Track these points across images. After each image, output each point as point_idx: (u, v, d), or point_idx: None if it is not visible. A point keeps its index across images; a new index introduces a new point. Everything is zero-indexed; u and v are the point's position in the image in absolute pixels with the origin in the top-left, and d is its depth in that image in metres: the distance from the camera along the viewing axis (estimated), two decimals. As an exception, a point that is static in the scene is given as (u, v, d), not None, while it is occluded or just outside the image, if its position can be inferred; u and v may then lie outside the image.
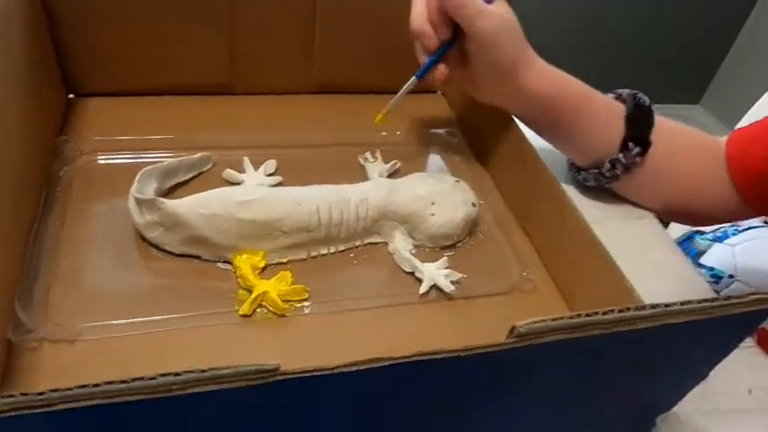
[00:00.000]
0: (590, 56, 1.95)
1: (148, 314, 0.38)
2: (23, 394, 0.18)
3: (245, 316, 0.39)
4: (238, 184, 0.48)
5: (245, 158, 0.50)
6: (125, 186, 0.43)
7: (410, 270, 0.44)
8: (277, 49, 0.57)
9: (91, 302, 0.38)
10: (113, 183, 0.46)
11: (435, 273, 0.43)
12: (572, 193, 0.56)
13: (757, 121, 0.54)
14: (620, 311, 0.25)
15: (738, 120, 1.03)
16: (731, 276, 0.78)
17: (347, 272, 0.44)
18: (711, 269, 0.80)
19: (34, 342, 0.35)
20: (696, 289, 0.51)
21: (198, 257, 0.42)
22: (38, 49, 0.48)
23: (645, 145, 0.50)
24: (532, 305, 0.44)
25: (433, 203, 0.46)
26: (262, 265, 0.42)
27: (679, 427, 0.38)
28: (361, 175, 0.52)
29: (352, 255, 0.45)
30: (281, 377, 0.21)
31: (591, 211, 0.54)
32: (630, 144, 0.50)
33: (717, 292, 0.76)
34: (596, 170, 0.52)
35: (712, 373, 0.43)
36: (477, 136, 0.58)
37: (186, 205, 0.41)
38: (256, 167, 0.50)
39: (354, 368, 0.21)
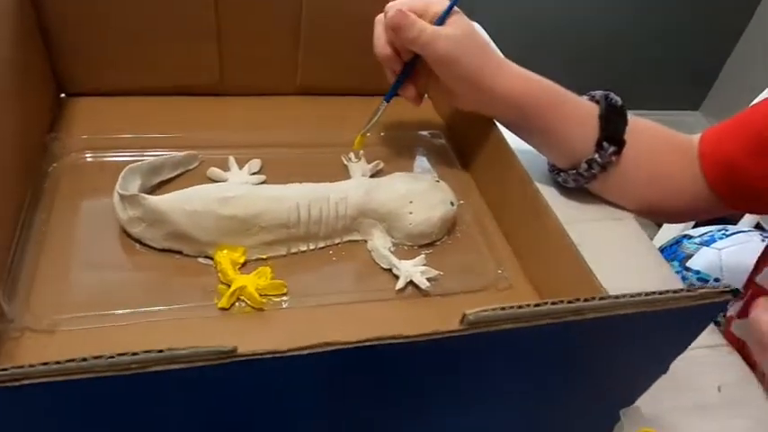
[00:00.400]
0: (589, 62, 1.95)
1: (129, 306, 0.39)
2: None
3: (223, 309, 0.40)
4: (223, 181, 0.49)
5: (231, 158, 0.51)
6: (111, 183, 0.44)
7: (388, 267, 0.45)
8: (264, 52, 0.58)
9: (73, 294, 0.39)
10: (100, 180, 0.47)
11: (412, 269, 0.44)
12: (552, 194, 0.57)
13: (728, 119, 0.55)
14: (569, 302, 0.26)
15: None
16: (717, 280, 0.78)
17: (326, 268, 0.45)
18: (698, 272, 0.81)
19: (16, 332, 0.37)
20: (668, 286, 0.51)
21: (179, 252, 0.43)
22: (29, 50, 0.49)
23: (619, 144, 0.51)
24: (507, 302, 0.45)
25: (411, 202, 0.47)
26: (242, 260, 0.43)
27: (644, 422, 0.39)
28: (344, 174, 0.53)
29: (331, 252, 0.46)
30: (237, 359, 0.22)
31: (570, 211, 0.55)
32: (605, 144, 0.51)
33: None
34: (574, 171, 0.53)
35: (682, 371, 0.44)
36: (461, 138, 0.59)
37: (168, 201, 0.42)
38: (241, 167, 0.51)
39: (307, 352, 0.22)
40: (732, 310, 0.63)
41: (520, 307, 0.25)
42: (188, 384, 0.22)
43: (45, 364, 0.20)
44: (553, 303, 0.25)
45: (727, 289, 0.28)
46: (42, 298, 0.39)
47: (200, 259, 0.44)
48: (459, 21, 0.49)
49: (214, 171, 0.50)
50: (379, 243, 0.47)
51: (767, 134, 0.50)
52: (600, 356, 0.30)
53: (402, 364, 0.25)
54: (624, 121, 0.51)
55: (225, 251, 0.43)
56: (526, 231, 0.48)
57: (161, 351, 0.21)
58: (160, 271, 0.42)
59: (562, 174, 0.55)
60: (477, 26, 0.51)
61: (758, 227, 0.96)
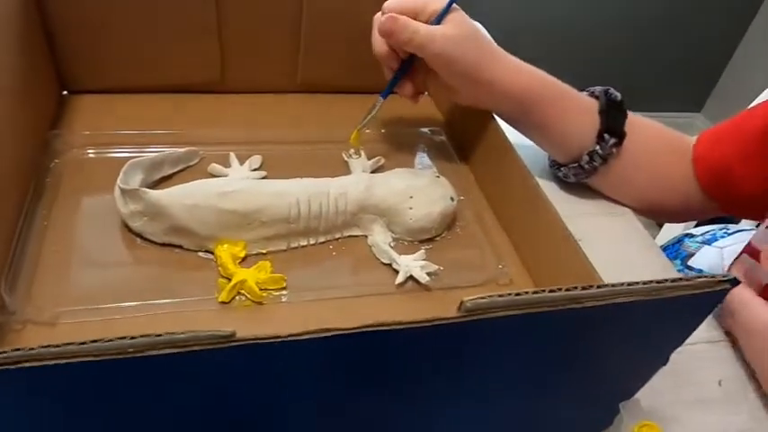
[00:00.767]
0: (590, 65, 1.96)
1: (130, 300, 0.39)
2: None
3: (223, 303, 0.41)
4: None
5: (231, 154, 0.51)
6: (113, 179, 0.44)
7: (388, 262, 0.45)
8: (264, 50, 0.58)
9: (74, 287, 0.40)
10: (102, 175, 0.47)
11: (411, 264, 0.45)
12: (553, 189, 0.57)
13: (724, 122, 0.55)
14: (566, 290, 0.26)
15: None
16: (719, 278, 0.78)
17: (325, 263, 0.45)
18: (700, 271, 0.81)
19: (18, 324, 0.37)
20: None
21: (180, 247, 0.44)
22: (33, 49, 0.50)
23: (620, 136, 0.51)
24: (507, 297, 0.45)
25: (411, 197, 0.47)
26: (242, 254, 0.43)
27: (644, 415, 0.39)
28: (345, 170, 0.53)
29: (331, 246, 0.47)
30: (236, 343, 0.22)
31: (571, 206, 0.55)
32: (606, 135, 0.51)
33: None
34: (575, 164, 0.53)
35: (682, 365, 0.44)
36: (461, 134, 0.59)
37: (169, 196, 0.42)
38: (242, 163, 0.51)
39: (306, 337, 0.22)
40: None
41: (518, 294, 0.25)
42: (186, 369, 0.22)
43: (45, 346, 0.20)
44: (551, 291, 0.25)
45: (725, 278, 0.28)
46: (44, 291, 0.39)
47: (201, 253, 0.44)
48: (457, 18, 0.49)
49: (215, 167, 0.50)
50: (380, 238, 0.47)
51: (758, 140, 0.51)
52: (598, 346, 0.30)
53: (400, 352, 0.25)
54: (624, 115, 0.52)
55: (225, 245, 0.43)
56: (526, 226, 0.48)
57: (159, 335, 0.21)
58: (161, 265, 0.43)
59: (563, 168, 0.55)
60: (477, 25, 0.51)
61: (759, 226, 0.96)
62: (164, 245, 0.44)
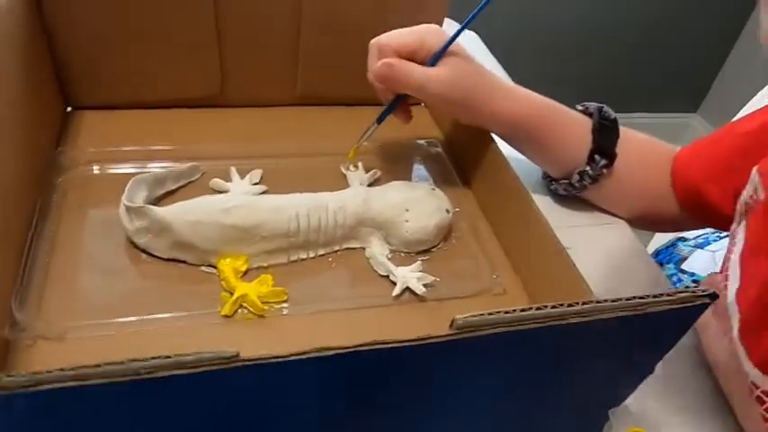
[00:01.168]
0: (588, 66, 1.97)
1: (136, 314, 0.41)
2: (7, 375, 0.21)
3: (226, 316, 0.42)
4: (225, 192, 0.51)
5: (232, 168, 0.53)
6: (117, 195, 0.45)
7: (385, 273, 0.47)
8: (264, 63, 0.60)
9: (82, 303, 0.41)
10: (107, 192, 0.49)
11: (408, 275, 0.46)
12: (546, 200, 0.58)
13: (703, 138, 0.56)
14: (553, 307, 0.27)
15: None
16: (712, 282, 0.80)
17: (325, 275, 0.47)
18: (693, 275, 0.82)
19: (29, 340, 0.38)
20: (659, 289, 0.53)
21: (184, 262, 0.45)
22: (36, 64, 0.51)
23: (611, 157, 0.52)
24: (501, 306, 0.46)
25: (407, 210, 0.48)
26: (244, 268, 0.45)
27: (633, 421, 0.40)
28: (343, 183, 0.54)
29: (330, 259, 0.48)
30: (239, 363, 0.23)
31: (563, 217, 0.57)
32: (597, 156, 0.52)
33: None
34: (566, 181, 0.55)
35: (672, 371, 0.45)
36: (456, 147, 0.60)
37: (173, 212, 0.44)
38: (243, 177, 0.52)
39: (305, 356, 0.24)
40: None
41: (507, 312, 0.26)
42: (193, 387, 0.24)
43: (61, 370, 0.21)
44: (538, 308, 0.27)
45: (705, 293, 0.29)
46: (53, 307, 0.40)
47: (204, 268, 0.45)
48: (454, 58, 0.49)
49: (216, 182, 0.51)
50: (377, 250, 0.48)
51: (723, 160, 0.52)
52: (585, 358, 0.31)
53: (395, 368, 0.27)
54: (616, 134, 0.53)
55: (227, 260, 0.44)
56: (519, 238, 0.49)
57: (168, 357, 0.22)
58: (165, 279, 0.44)
59: (554, 182, 0.56)
60: (474, 60, 0.52)
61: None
62: (168, 260, 0.45)
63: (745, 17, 2.05)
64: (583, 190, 0.55)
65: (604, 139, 0.52)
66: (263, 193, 0.52)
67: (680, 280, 0.82)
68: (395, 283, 0.46)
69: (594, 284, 0.41)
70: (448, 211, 0.50)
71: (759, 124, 0.52)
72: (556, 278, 0.44)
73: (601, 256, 0.53)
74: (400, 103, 0.53)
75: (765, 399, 0.40)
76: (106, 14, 0.53)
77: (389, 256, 0.49)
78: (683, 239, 0.88)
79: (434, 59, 0.49)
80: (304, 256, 0.47)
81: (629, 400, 0.39)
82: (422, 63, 0.49)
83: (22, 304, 0.39)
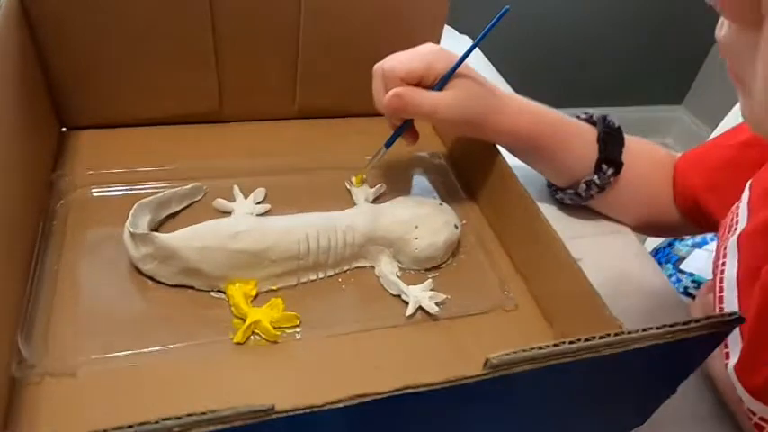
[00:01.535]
0: (572, 58, 1.97)
1: (147, 345, 0.40)
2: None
3: (238, 344, 0.41)
4: (229, 212, 0.50)
5: (235, 187, 0.52)
6: (119, 218, 0.44)
7: (396, 293, 0.46)
8: (262, 77, 0.59)
9: (90, 335, 0.40)
10: (108, 215, 0.48)
11: (420, 295, 0.45)
12: (551, 209, 0.58)
13: (701, 145, 0.57)
14: (586, 340, 0.27)
15: (721, 120, 1.06)
16: (711, 281, 0.80)
17: (336, 297, 0.46)
18: (692, 275, 0.83)
19: (36, 377, 0.37)
20: (668, 302, 0.53)
21: (191, 287, 0.44)
22: (29, 84, 0.49)
23: (617, 166, 0.52)
24: (514, 323, 0.46)
25: (416, 227, 0.48)
26: (253, 293, 0.44)
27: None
28: (347, 198, 0.54)
29: (340, 279, 0.47)
30: (275, 416, 0.23)
31: (569, 226, 0.57)
32: (604, 166, 0.52)
33: (693, 297, 0.78)
34: (572, 190, 0.54)
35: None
36: (460, 158, 0.60)
37: (179, 239, 0.43)
38: (246, 194, 0.52)
39: (342, 404, 0.23)
40: None
41: (540, 348, 0.26)
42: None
43: (93, 433, 0.21)
44: (571, 342, 0.26)
45: (734, 317, 0.29)
46: (60, 341, 0.39)
47: (213, 293, 0.44)
48: (462, 79, 0.49)
49: (220, 202, 0.50)
50: (387, 269, 0.47)
51: (722, 170, 0.53)
52: (614, 386, 0.31)
53: (428, 409, 0.26)
54: (621, 143, 0.53)
55: (237, 284, 0.44)
56: (529, 252, 0.49)
57: (203, 413, 0.22)
58: (174, 307, 0.43)
59: (560, 192, 0.56)
60: (482, 79, 0.51)
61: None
62: (175, 286, 0.44)
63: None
64: (589, 199, 0.54)
65: (610, 149, 0.52)
66: (268, 212, 0.51)
67: (679, 280, 0.83)
68: (406, 302, 0.46)
69: (605, 296, 0.40)
70: (456, 226, 0.49)
71: (752, 135, 0.52)
72: (568, 292, 0.44)
73: (609, 266, 0.53)
74: (408, 126, 0.52)
75: (763, 425, 0.40)
76: (100, 30, 0.52)
77: (399, 273, 0.48)
78: (681, 239, 0.89)
79: (442, 83, 0.48)
80: (313, 278, 0.46)
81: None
82: (429, 87, 0.48)
83: (29, 339, 0.38)
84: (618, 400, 0.33)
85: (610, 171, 0.52)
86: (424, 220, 0.48)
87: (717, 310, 0.46)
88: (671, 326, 0.28)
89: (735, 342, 0.42)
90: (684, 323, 0.29)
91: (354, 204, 0.52)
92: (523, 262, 0.50)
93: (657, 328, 0.28)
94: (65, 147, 0.54)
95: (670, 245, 0.90)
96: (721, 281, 0.47)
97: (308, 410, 0.23)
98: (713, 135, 0.98)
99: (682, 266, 0.85)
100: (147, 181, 0.51)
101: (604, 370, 0.29)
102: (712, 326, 0.29)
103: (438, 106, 0.48)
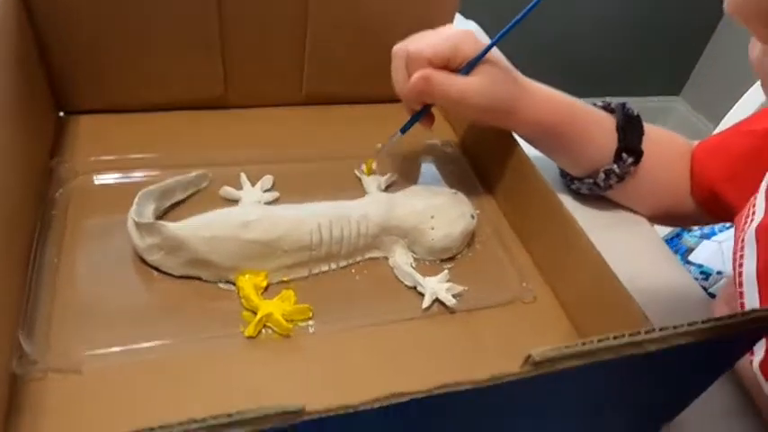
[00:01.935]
0: (570, 48, 1.96)
1: (153, 338, 0.38)
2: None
3: (250, 338, 0.39)
4: (236, 201, 0.48)
5: (242, 174, 0.50)
6: (122, 207, 0.43)
7: (412, 285, 0.45)
8: (269, 62, 0.57)
9: (94, 329, 0.38)
10: (110, 203, 0.46)
11: (437, 287, 0.44)
12: (565, 199, 0.56)
13: (718, 133, 0.55)
14: (630, 335, 0.25)
15: (719, 111, 1.05)
16: (719, 273, 0.79)
17: (349, 288, 0.44)
18: (700, 266, 0.82)
19: (39, 372, 0.35)
20: (689, 293, 0.52)
21: (199, 278, 0.42)
22: (27, 69, 0.47)
23: (637, 155, 0.51)
24: (533, 315, 0.45)
25: (432, 217, 0.46)
26: (264, 284, 0.42)
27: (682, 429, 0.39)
28: (357, 187, 0.52)
29: (353, 270, 0.46)
30: (306, 417, 0.21)
31: (584, 217, 0.55)
32: (624, 155, 0.50)
33: (706, 288, 0.77)
34: (590, 180, 0.53)
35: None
36: (473, 146, 0.58)
37: (187, 228, 0.41)
38: (253, 182, 0.50)
39: (377, 405, 0.22)
40: None
41: (584, 344, 0.24)
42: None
43: (111, 437, 0.19)
44: (615, 338, 0.25)
45: (780, 311, 0.28)
46: (63, 336, 0.37)
47: (221, 284, 0.42)
48: (489, 65, 0.47)
49: (227, 190, 0.48)
50: (401, 260, 0.46)
51: (742, 160, 0.52)
52: (652, 383, 0.30)
53: (466, 407, 0.25)
54: (641, 131, 0.51)
55: (247, 276, 0.42)
56: (548, 242, 0.47)
57: (230, 415, 0.20)
58: (181, 299, 0.41)
59: (576, 182, 0.55)
60: (508, 65, 0.49)
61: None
62: (181, 277, 0.42)
63: None
64: (608, 189, 0.53)
65: (630, 137, 0.51)
66: (276, 200, 0.49)
67: (687, 271, 0.81)
68: (421, 294, 0.44)
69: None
70: (473, 216, 0.48)
71: None
72: (591, 285, 0.43)
73: (628, 257, 0.52)
74: (427, 111, 0.50)
75: None
76: (100, 11, 0.49)
77: (414, 264, 0.46)
78: (689, 230, 0.88)
79: (469, 68, 0.46)
80: (326, 269, 0.45)
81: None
82: (454, 71, 0.46)
83: (30, 335, 0.36)
84: (652, 398, 0.31)
85: (630, 160, 0.51)
86: (439, 209, 0.47)
87: (738, 305, 0.45)
88: (717, 320, 0.27)
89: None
90: (729, 317, 0.27)
91: (365, 193, 0.51)
92: (542, 254, 0.48)
93: (703, 322, 0.26)
94: (64, 132, 0.52)
95: (678, 236, 0.89)
96: (740, 275, 0.45)
97: (341, 411, 0.21)
98: (718, 129, 0.97)
99: (690, 258, 0.83)
100: (149, 168, 0.49)
101: (645, 366, 0.27)
102: (758, 321, 0.28)
103: (466, 92, 0.46)
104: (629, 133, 0.51)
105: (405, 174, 0.54)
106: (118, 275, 0.42)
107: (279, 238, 0.42)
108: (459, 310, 0.44)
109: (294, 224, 0.42)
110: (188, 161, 0.50)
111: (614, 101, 0.54)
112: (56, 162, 0.48)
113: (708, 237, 0.85)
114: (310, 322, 0.41)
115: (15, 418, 0.33)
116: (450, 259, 0.48)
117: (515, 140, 0.51)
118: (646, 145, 0.51)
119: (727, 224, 0.86)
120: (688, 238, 0.86)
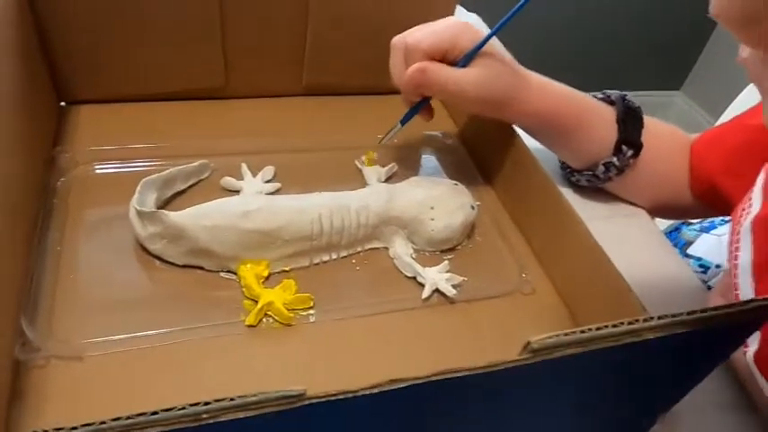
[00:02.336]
0: (570, 43, 1.96)
1: (154, 327, 0.38)
2: (56, 429, 0.19)
3: (251, 326, 0.40)
4: (237, 191, 0.48)
5: (243, 165, 0.50)
6: (123, 196, 0.43)
7: (412, 275, 0.45)
8: (269, 53, 0.57)
9: (96, 316, 0.38)
10: (111, 192, 0.46)
11: (437, 277, 0.44)
12: (564, 191, 0.56)
13: (717, 126, 0.56)
14: (629, 323, 0.25)
15: (719, 106, 1.05)
16: (718, 266, 0.79)
17: (349, 278, 0.45)
18: (699, 259, 0.82)
19: (42, 360, 0.35)
20: (687, 285, 0.52)
21: (201, 268, 0.42)
22: (28, 59, 0.47)
23: (637, 147, 0.51)
24: (532, 306, 0.45)
25: (432, 208, 0.46)
26: (265, 274, 0.42)
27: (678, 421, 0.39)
28: (358, 178, 0.52)
29: (354, 260, 0.46)
30: (307, 402, 0.21)
31: (584, 208, 0.55)
32: (624, 147, 0.51)
33: (704, 281, 0.78)
34: (590, 172, 0.53)
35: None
36: (473, 138, 0.58)
37: (188, 217, 0.41)
38: (254, 172, 0.50)
39: (377, 390, 0.22)
40: None
41: (582, 332, 0.25)
42: (258, 430, 0.21)
43: (116, 419, 0.19)
44: (614, 326, 0.25)
45: (776, 301, 0.28)
46: (65, 323, 0.37)
47: (223, 273, 0.43)
48: (487, 57, 0.47)
49: (228, 180, 0.48)
50: (401, 250, 0.46)
51: (738, 153, 0.52)
52: (649, 372, 0.30)
53: (465, 394, 0.25)
54: (641, 124, 0.51)
55: (248, 265, 0.42)
56: (548, 234, 0.48)
57: (232, 399, 0.20)
58: (183, 288, 0.41)
59: (576, 173, 0.55)
60: (507, 56, 0.49)
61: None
62: (183, 266, 0.42)
63: (729, -6, 2.05)
64: (607, 181, 0.53)
65: (630, 129, 0.51)
66: (278, 190, 0.49)
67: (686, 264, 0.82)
68: (421, 285, 0.44)
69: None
70: (473, 207, 0.48)
71: None
72: (590, 276, 0.43)
73: (626, 249, 0.52)
74: (426, 103, 0.50)
75: None
76: (102, 1, 0.49)
77: (414, 255, 0.47)
78: (688, 224, 0.88)
79: (466, 60, 0.46)
80: (326, 259, 0.45)
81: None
82: (452, 63, 0.46)
83: (33, 322, 0.37)
84: (649, 387, 0.32)
85: (629, 152, 0.51)
86: (439, 200, 0.47)
87: (733, 296, 0.45)
88: (715, 309, 0.27)
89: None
90: (728, 306, 0.27)
91: (366, 184, 0.51)
92: (542, 245, 0.48)
93: (702, 311, 0.27)
94: (64, 122, 0.52)
95: (677, 229, 0.89)
96: (736, 266, 0.45)
97: (341, 396, 0.22)
98: (718, 122, 0.97)
99: (689, 251, 0.84)
100: (150, 157, 0.49)
101: (642, 355, 0.28)
102: (756, 310, 0.28)
103: (463, 84, 0.46)
104: (629, 125, 0.51)
105: (405, 165, 0.54)
106: (120, 264, 0.42)
107: (279, 227, 0.42)
108: (458, 300, 0.44)
109: (295, 214, 0.43)
110: (189, 151, 0.50)
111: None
112: (57, 152, 0.48)
113: (707, 230, 0.85)
114: (311, 311, 0.41)
115: (18, 403, 0.33)
116: (450, 250, 0.48)
117: (515, 132, 0.51)
118: (645, 138, 0.52)
119: (727, 218, 0.87)
120: (687, 232, 0.86)
